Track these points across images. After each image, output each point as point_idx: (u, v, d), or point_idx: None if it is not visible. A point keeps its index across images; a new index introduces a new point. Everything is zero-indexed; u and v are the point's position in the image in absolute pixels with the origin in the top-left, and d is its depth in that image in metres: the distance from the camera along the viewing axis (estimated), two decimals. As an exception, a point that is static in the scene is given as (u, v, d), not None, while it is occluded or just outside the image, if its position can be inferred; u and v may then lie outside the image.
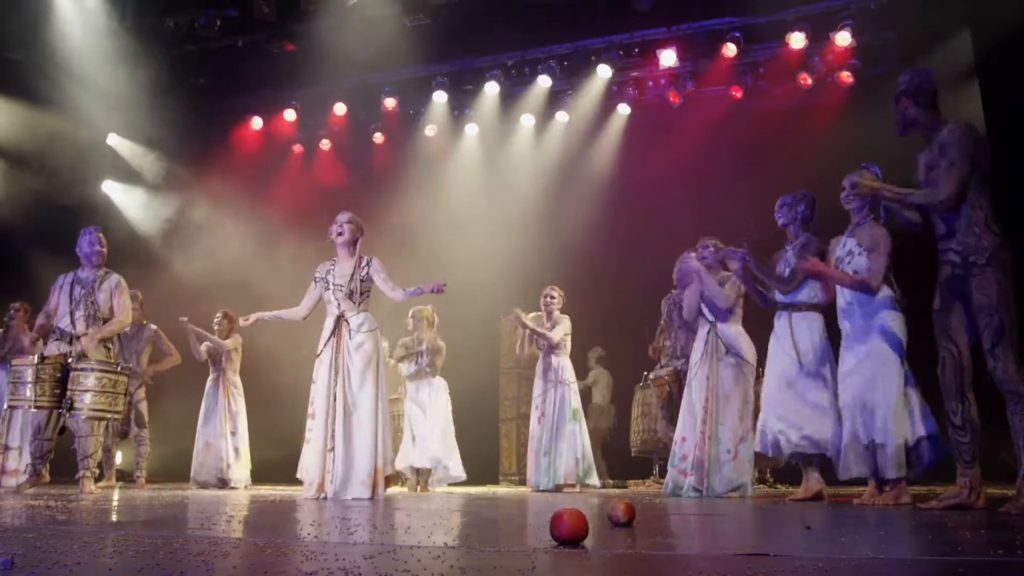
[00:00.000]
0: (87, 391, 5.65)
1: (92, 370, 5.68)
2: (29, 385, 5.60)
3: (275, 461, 8.28)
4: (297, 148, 10.48)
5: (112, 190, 10.04)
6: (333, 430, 5.10)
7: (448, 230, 9.12)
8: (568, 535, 2.17)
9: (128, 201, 10.03)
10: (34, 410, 5.65)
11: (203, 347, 7.79)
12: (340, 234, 5.39)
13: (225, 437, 7.62)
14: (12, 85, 8.32)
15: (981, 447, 3.73)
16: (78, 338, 5.78)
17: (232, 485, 7.49)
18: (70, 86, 8.33)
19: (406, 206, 9.21)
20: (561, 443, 6.87)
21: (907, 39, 7.77)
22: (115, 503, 4.39)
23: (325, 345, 5.27)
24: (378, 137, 10.21)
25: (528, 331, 7.10)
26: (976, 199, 3.62)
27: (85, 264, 6.07)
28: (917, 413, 4.30)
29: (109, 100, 8.69)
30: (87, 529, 2.71)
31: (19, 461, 7.36)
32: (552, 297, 7.13)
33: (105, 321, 5.93)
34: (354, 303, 5.32)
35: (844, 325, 4.56)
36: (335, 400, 5.15)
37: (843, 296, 4.57)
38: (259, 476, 8.32)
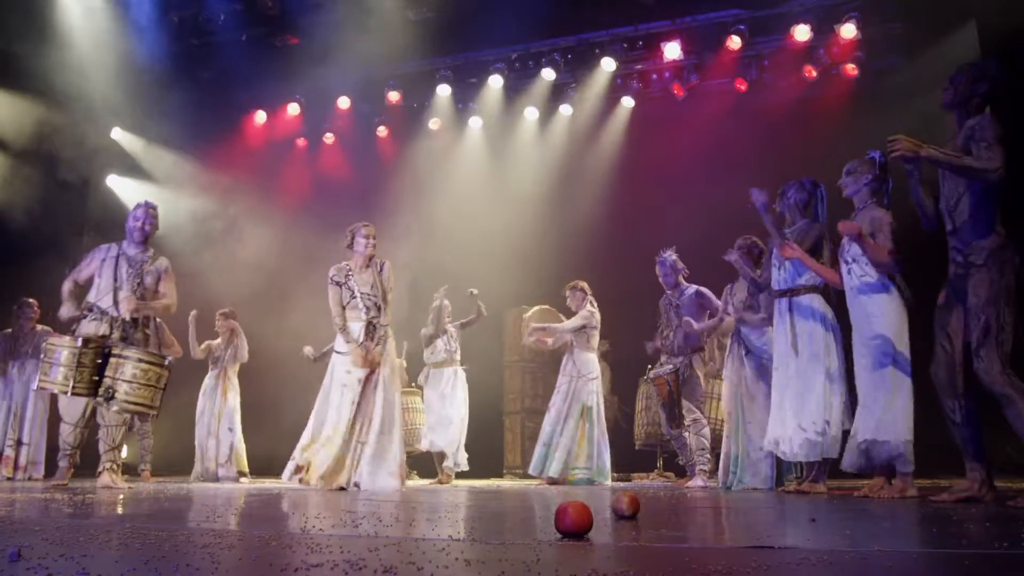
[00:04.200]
0: (128, 381, 5.14)
1: (139, 360, 5.18)
2: (63, 368, 5.06)
3: (276, 456, 8.29)
4: (301, 142, 10.49)
5: (117, 184, 10.05)
6: (363, 427, 5.54)
7: (451, 224, 9.11)
8: (573, 528, 2.17)
9: (133, 195, 10.02)
10: (70, 396, 5.20)
11: (202, 347, 7.85)
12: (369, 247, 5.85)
13: (216, 435, 7.61)
14: (16, 80, 8.33)
15: (986, 441, 3.72)
16: (120, 320, 5.38)
17: (221, 481, 7.44)
18: (74, 81, 8.33)
19: (409, 200, 9.21)
20: (563, 437, 6.92)
21: (913, 31, 7.75)
22: (121, 496, 4.41)
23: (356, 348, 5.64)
24: (382, 131, 10.22)
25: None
26: (983, 200, 3.62)
27: (129, 240, 5.65)
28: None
29: (113, 94, 8.70)
30: (93, 522, 2.72)
31: (31, 455, 7.44)
32: (570, 295, 7.30)
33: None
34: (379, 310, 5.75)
35: (851, 312, 4.55)
36: (372, 401, 5.57)
37: (848, 282, 4.56)
38: (263, 471, 8.34)
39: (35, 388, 5.29)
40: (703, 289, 6.44)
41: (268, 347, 8.47)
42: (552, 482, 6.87)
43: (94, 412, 5.42)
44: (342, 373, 5.69)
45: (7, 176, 8.52)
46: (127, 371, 5.13)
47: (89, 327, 5.36)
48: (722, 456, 5.69)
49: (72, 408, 5.40)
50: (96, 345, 5.19)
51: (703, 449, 6.31)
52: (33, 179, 8.56)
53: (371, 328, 5.68)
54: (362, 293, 5.72)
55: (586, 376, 7.04)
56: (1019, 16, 6.07)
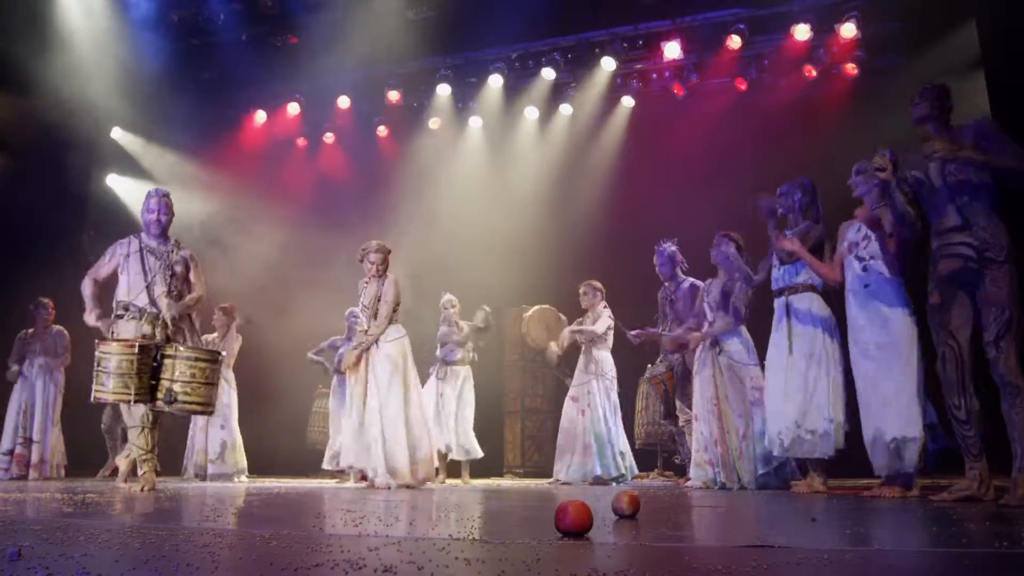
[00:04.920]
0: (186, 382, 4.89)
1: (196, 359, 4.93)
2: (121, 377, 4.78)
3: (278, 453, 8.30)
4: (301, 141, 10.49)
5: (116, 184, 10.06)
6: (368, 426, 5.83)
7: (451, 223, 9.11)
8: (573, 527, 2.17)
9: (132, 195, 10.04)
10: (133, 404, 4.97)
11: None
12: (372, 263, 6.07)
13: (206, 430, 7.46)
14: (16, 80, 8.32)
15: (991, 440, 3.72)
16: (160, 318, 5.13)
17: (211, 479, 7.31)
18: (74, 80, 8.33)
19: (409, 199, 9.21)
20: (616, 437, 7.02)
21: (913, 30, 7.74)
22: (131, 496, 4.41)
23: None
24: (382, 130, 10.21)
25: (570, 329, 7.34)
26: (995, 196, 3.66)
27: (147, 233, 5.37)
28: (924, 404, 4.31)
29: (113, 94, 8.70)
30: (93, 521, 2.72)
31: (40, 453, 7.46)
32: (585, 293, 7.30)
33: (182, 296, 5.30)
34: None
35: (852, 309, 4.53)
36: (370, 401, 5.84)
37: (855, 279, 4.54)
38: (265, 469, 8.34)
39: (92, 400, 4.96)
40: (699, 283, 6.38)
41: (269, 345, 8.47)
42: (618, 481, 6.95)
43: (158, 412, 5.20)
44: (351, 376, 6.04)
45: (7, 176, 8.52)
46: (184, 371, 4.89)
47: (128, 327, 5.09)
48: (718, 455, 5.60)
49: (135, 411, 5.14)
50: (148, 348, 4.94)
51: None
52: (33, 179, 8.56)
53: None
54: (363, 305, 6.06)
55: (609, 375, 7.15)
56: (1019, 16, 6.07)
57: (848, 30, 7.92)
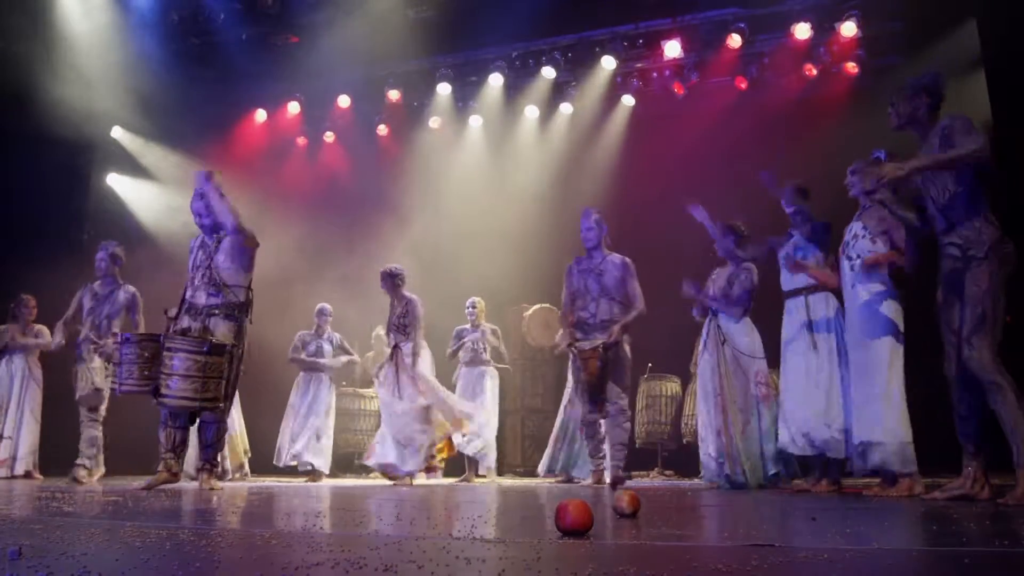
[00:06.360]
0: (170, 375, 4.78)
1: (180, 350, 4.80)
2: (113, 366, 4.98)
3: (267, 454, 8.29)
4: (301, 141, 10.48)
5: (117, 183, 10.05)
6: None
7: (452, 222, 9.11)
8: (573, 526, 2.17)
9: (132, 195, 10.03)
10: (120, 392, 4.98)
11: None
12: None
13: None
14: (16, 79, 8.31)
15: (990, 438, 3.73)
16: (200, 311, 5.11)
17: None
18: (74, 80, 8.31)
19: (410, 199, 9.21)
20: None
21: (913, 30, 7.75)
22: (121, 495, 4.40)
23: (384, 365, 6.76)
24: (382, 129, 10.21)
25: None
26: (976, 194, 3.64)
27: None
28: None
29: (113, 94, 8.69)
30: (94, 520, 2.72)
31: (10, 451, 7.40)
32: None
33: (227, 287, 5.16)
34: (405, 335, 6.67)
35: (849, 309, 4.56)
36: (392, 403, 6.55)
37: (850, 279, 4.56)
38: (266, 468, 8.33)
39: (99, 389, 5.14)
40: (630, 262, 6.01)
41: (269, 344, 8.46)
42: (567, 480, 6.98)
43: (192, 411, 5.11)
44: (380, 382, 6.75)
45: (7, 175, 8.51)
46: (176, 364, 4.77)
47: (182, 321, 5.12)
48: (716, 450, 5.49)
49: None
50: (143, 339, 4.95)
51: (623, 444, 5.83)
52: (33, 178, 8.54)
53: (396, 351, 6.64)
54: (391, 323, 6.78)
55: None
56: (1019, 15, 6.07)
57: (848, 29, 7.93)
